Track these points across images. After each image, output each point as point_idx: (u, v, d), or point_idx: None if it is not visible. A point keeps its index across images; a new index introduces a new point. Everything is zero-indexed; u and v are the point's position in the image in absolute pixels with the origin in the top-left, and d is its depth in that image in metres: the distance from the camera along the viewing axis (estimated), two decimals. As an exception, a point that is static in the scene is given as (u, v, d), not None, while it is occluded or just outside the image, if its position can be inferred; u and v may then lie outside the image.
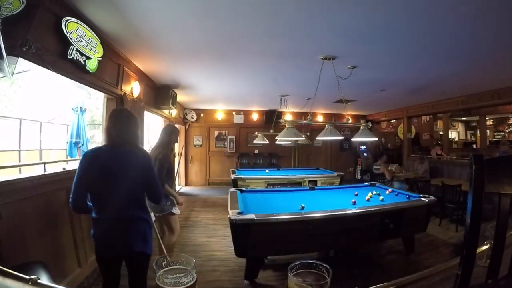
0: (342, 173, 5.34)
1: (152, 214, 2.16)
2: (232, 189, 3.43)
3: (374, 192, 3.49)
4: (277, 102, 6.09)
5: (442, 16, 2.17)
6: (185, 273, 0.65)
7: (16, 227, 1.77)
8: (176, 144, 6.85)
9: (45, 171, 2.18)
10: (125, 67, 3.39)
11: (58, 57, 2.13)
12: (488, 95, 4.86)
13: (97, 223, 1.56)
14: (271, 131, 5.72)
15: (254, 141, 6.13)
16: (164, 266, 0.66)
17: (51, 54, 2.05)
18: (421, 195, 3.13)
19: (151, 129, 5.59)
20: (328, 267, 0.59)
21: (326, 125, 3.35)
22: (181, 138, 7.95)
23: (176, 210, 2.60)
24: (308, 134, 6.57)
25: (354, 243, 2.88)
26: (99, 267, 1.63)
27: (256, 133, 6.25)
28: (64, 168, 2.41)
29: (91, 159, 1.54)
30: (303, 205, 2.77)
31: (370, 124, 3.38)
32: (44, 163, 2.20)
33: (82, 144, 3.80)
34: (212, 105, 7.69)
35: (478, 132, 10.05)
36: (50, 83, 3.97)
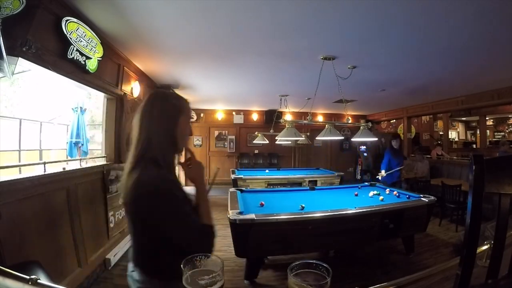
0: (342, 173, 5.34)
1: None
2: (232, 189, 3.43)
3: (374, 192, 3.49)
4: (277, 102, 6.08)
5: (442, 16, 2.17)
6: (213, 276, 0.60)
7: (16, 227, 1.77)
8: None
9: (45, 171, 2.17)
10: (125, 67, 3.39)
11: (58, 57, 2.13)
12: (488, 95, 4.86)
13: None
14: (271, 131, 5.71)
15: (254, 141, 6.12)
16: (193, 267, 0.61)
17: (51, 54, 2.05)
18: (421, 195, 3.12)
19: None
20: (328, 267, 0.59)
21: (326, 125, 3.34)
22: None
23: None
24: (308, 134, 6.57)
25: (354, 243, 2.87)
26: None
27: (256, 133, 6.25)
28: (64, 168, 2.41)
29: None
30: (303, 205, 2.77)
31: (370, 124, 3.38)
32: (44, 163, 2.20)
33: (82, 144, 3.79)
34: (212, 105, 7.68)
35: (478, 132, 10.05)
36: (50, 83, 3.97)
